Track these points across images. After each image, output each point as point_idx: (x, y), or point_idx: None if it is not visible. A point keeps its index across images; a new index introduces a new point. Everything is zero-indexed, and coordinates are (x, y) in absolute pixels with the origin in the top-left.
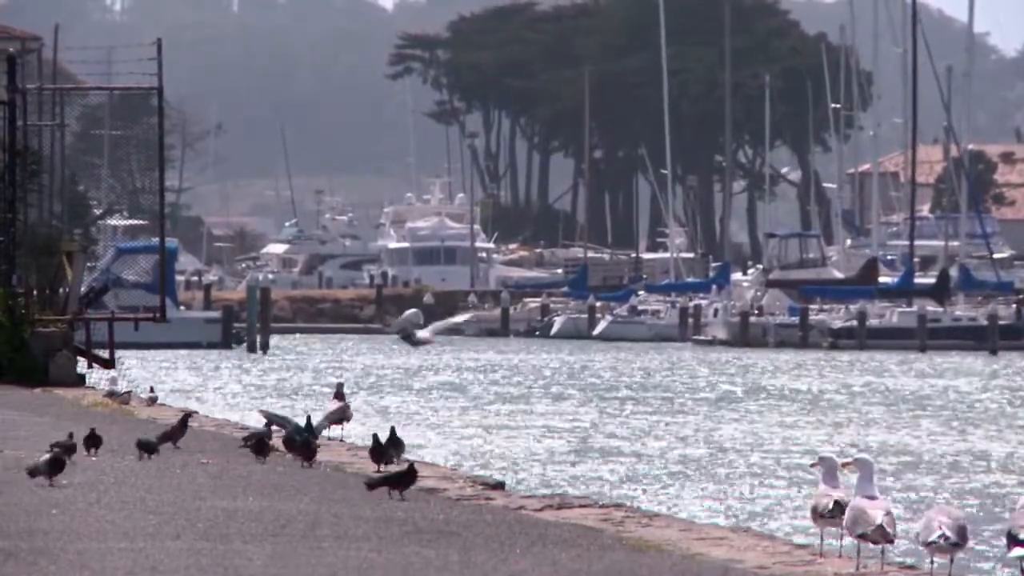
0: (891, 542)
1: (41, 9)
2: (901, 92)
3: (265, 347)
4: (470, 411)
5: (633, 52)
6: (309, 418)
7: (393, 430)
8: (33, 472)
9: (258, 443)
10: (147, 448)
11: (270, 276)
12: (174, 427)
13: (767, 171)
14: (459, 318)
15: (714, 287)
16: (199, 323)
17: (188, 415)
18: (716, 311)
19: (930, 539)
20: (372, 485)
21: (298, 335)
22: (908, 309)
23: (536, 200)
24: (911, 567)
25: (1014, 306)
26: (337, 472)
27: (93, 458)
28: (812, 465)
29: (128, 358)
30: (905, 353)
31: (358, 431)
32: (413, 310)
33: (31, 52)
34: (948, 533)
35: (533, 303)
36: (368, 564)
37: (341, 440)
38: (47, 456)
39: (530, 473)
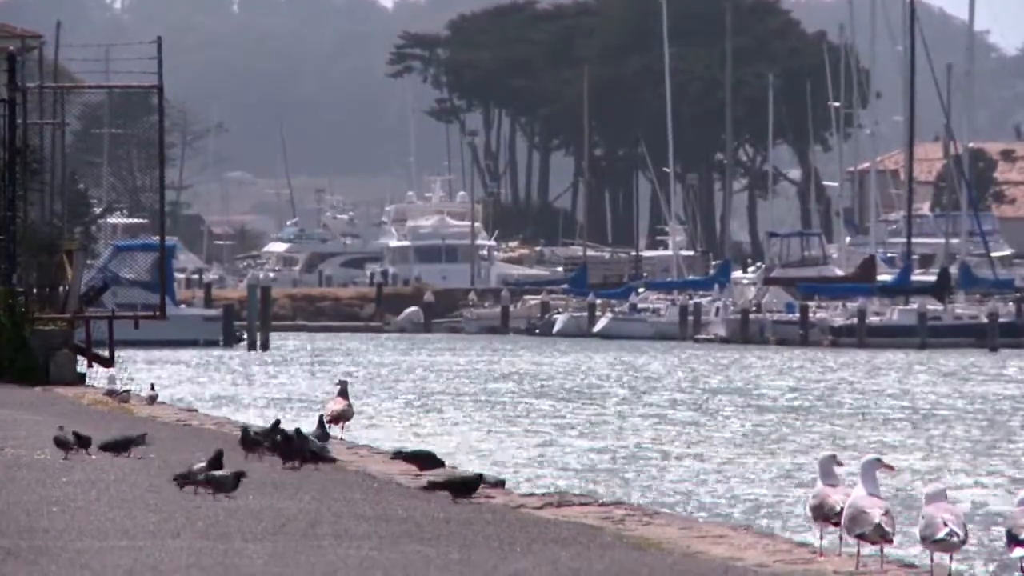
0: (890, 542)
1: (42, 8)
2: (902, 90)
3: (265, 345)
4: (469, 410)
5: (633, 51)
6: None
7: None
8: (187, 479)
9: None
10: (113, 448)
11: (271, 275)
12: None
13: (769, 170)
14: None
15: (716, 285)
16: (197, 320)
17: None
18: (717, 309)
19: (938, 536)
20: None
21: (303, 333)
22: (909, 307)
23: (536, 198)
24: (911, 565)
25: (1012, 304)
26: (337, 471)
27: (93, 456)
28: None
29: (129, 359)
30: (906, 351)
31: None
32: (413, 308)
33: (32, 50)
34: (956, 530)
35: (533, 301)
36: (369, 563)
37: (341, 439)
38: (202, 464)
39: (530, 471)
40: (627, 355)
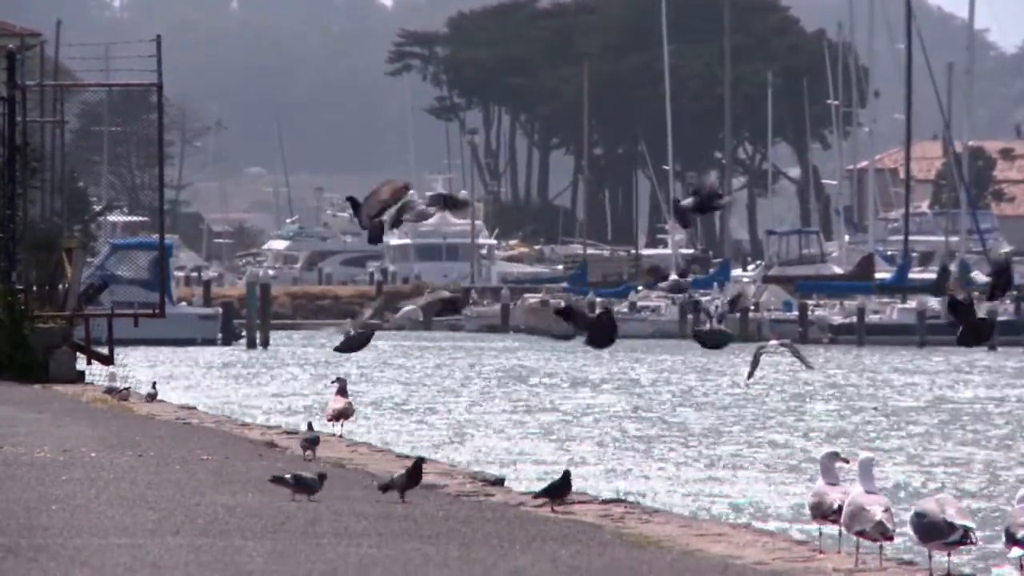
0: (890, 539)
1: (42, 6)
2: (902, 89)
3: (265, 343)
4: (468, 407)
5: (632, 49)
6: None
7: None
8: (387, 487)
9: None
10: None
11: (270, 272)
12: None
13: (768, 168)
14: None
15: (715, 284)
16: (193, 319)
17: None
18: (716, 307)
19: (953, 538)
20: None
21: (303, 331)
22: (907, 306)
23: (536, 196)
24: (910, 563)
25: (1011, 302)
26: (337, 468)
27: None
28: (849, 462)
29: (128, 357)
30: (905, 349)
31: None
32: (411, 306)
33: (31, 48)
34: (968, 525)
35: (533, 299)
36: (368, 560)
37: (340, 436)
38: (402, 472)
39: (529, 468)
40: (636, 353)
